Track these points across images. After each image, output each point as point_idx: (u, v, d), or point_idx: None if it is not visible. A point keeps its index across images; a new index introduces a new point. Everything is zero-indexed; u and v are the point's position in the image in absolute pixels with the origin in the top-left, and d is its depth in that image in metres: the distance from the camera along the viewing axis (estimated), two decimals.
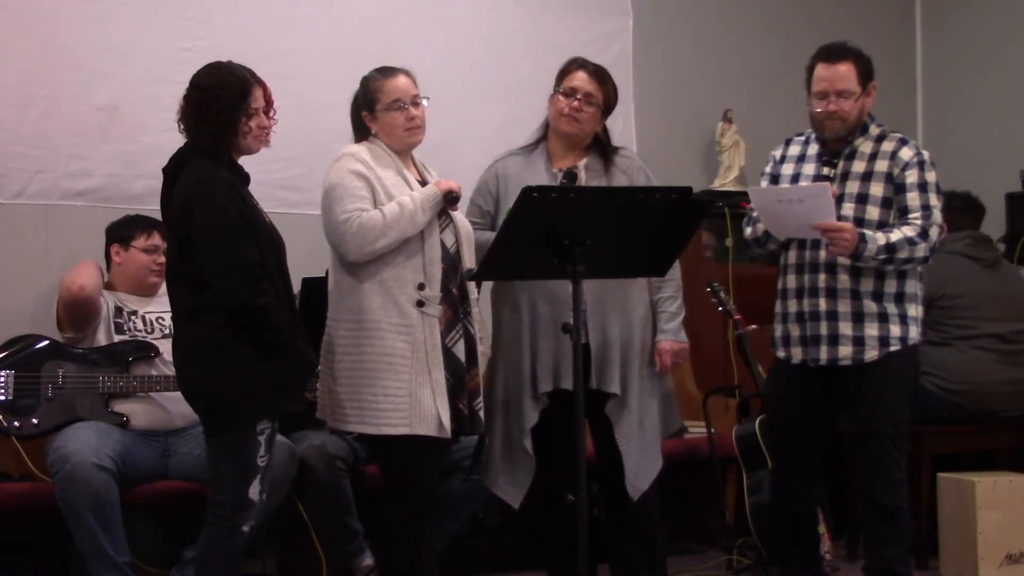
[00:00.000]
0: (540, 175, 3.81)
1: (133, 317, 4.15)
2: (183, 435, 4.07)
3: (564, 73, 3.85)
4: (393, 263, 3.47)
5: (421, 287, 3.47)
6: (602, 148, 3.89)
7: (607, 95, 3.84)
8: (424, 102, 3.61)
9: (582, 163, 3.84)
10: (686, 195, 3.35)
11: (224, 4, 4.88)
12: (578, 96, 3.79)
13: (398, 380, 3.43)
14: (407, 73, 3.62)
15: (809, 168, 3.95)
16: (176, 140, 3.35)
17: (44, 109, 4.56)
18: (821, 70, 3.85)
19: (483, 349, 3.68)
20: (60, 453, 3.80)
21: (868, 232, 3.73)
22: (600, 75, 3.83)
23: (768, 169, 4.09)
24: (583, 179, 3.80)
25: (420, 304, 3.46)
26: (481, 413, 3.62)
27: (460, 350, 3.56)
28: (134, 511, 4.05)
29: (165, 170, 3.33)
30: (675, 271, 3.85)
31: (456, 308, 3.57)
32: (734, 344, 5.00)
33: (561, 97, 3.82)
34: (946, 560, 4.67)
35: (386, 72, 3.61)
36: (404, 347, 3.44)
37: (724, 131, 5.86)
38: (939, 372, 4.82)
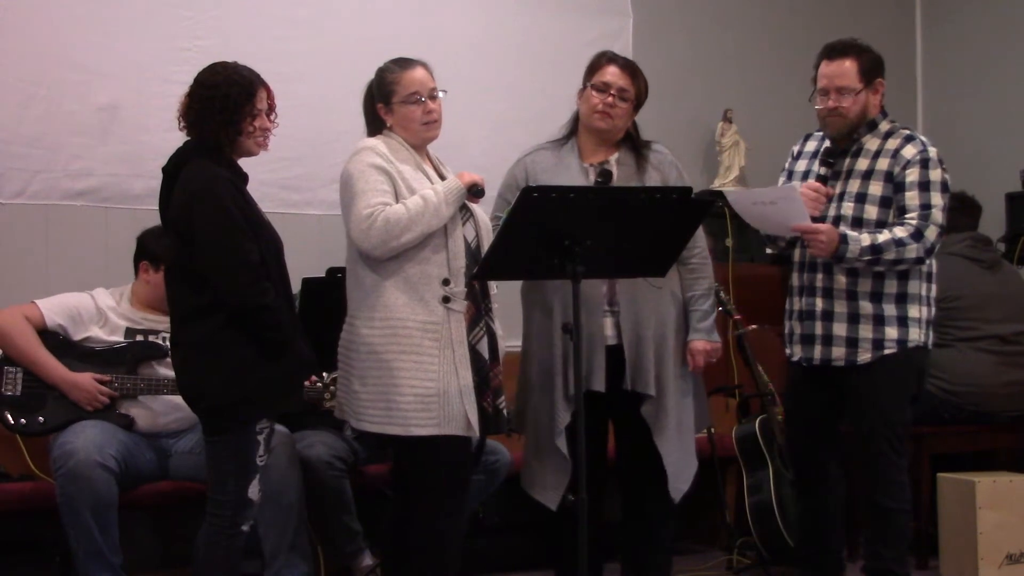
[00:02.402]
0: (572, 170, 3.78)
1: (151, 337, 4.10)
2: (183, 435, 4.07)
3: (595, 67, 3.80)
4: (417, 258, 3.41)
5: (446, 282, 3.42)
6: (634, 143, 3.84)
7: (639, 89, 3.79)
8: (441, 95, 3.55)
9: (613, 158, 3.81)
10: (686, 195, 3.36)
11: (224, 4, 4.88)
12: (611, 91, 3.74)
13: (426, 380, 3.37)
14: (424, 65, 3.55)
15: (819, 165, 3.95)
16: (176, 140, 3.34)
17: (44, 109, 4.56)
18: (823, 67, 3.86)
19: (502, 346, 3.62)
20: (64, 449, 3.79)
21: (851, 233, 3.72)
22: (632, 69, 3.79)
23: (786, 165, 4.09)
24: (615, 175, 3.77)
25: (446, 300, 3.41)
26: (505, 411, 3.58)
27: (484, 347, 3.51)
28: (134, 511, 4.05)
29: (165, 170, 3.32)
30: (707, 269, 3.83)
31: (479, 304, 3.51)
32: (734, 344, 5.00)
33: (594, 92, 3.76)
34: (946, 560, 4.67)
35: (403, 64, 3.54)
36: (431, 345, 3.39)
37: (724, 131, 5.87)
38: (940, 374, 4.81)
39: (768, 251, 4.77)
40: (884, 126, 3.88)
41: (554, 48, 5.50)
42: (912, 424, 3.96)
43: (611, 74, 3.76)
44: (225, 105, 3.23)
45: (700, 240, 3.78)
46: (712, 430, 4.90)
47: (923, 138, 3.89)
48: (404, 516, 3.51)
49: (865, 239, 3.71)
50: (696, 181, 5.73)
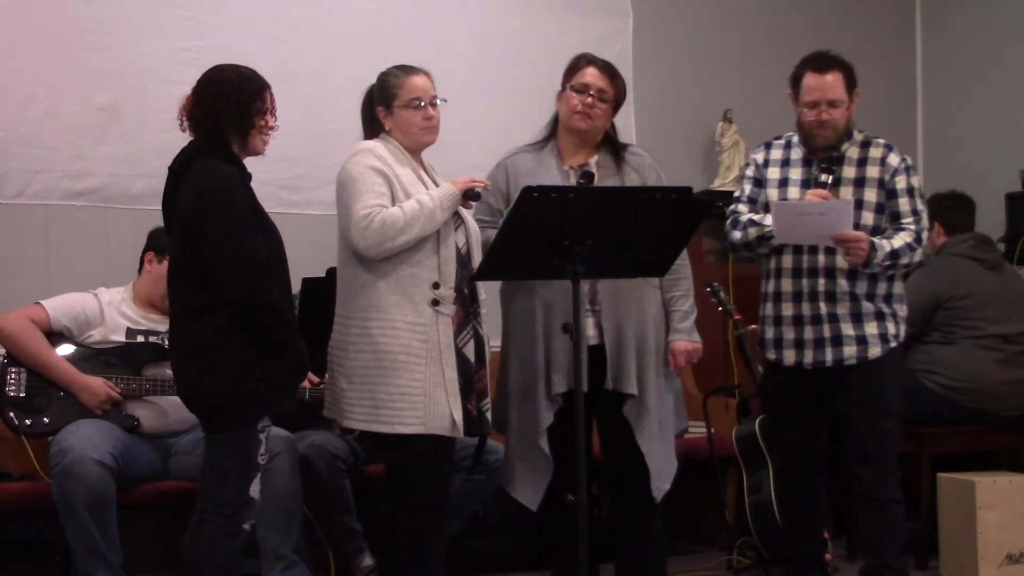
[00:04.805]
0: (552, 173, 3.79)
1: (152, 338, 4.10)
2: (185, 435, 4.08)
3: (574, 69, 3.82)
4: (410, 261, 3.45)
5: (436, 286, 3.46)
6: (613, 145, 3.86)
7: (618, 90, 3.82)
8: (440, 103, 3.60)
9: (593, 160, 3.82)
10: (686, 195, 3.36)
11: (224, 4, 4.89)
12: (591, 92, 3.76)
13: (413, 379, 3.41)
14: (427, 73, 3.61)
15: (796, 173, 4.00)
16: (176, 140, 3.34)
17: (44, 109, 4.56)
18: (811, 80, 3.92)
19: (489, 350, 3.65)
20: (60, 447, 3.80)
21: (876, 240, 3.82)
22: (610, 71, 3.81)
23: (750, 172, 4.12)
24: (596, 177, 3.77)
25: (435, 303, 3.45)
26: (488, 414, 3.61)
27: (470, 350, 3.54)
28: (134, 511, 4.05)
29: (171, 168, 3.32)
30: (686, 270, 3.84)
31: (467, 308, 3.55)
32: (734, 344, 5.01)
33: (574, 93, 3.79)
34: (946, 560, 4.67)
35: (407, 70, 3.60)
36: (419, 346, 3.42)
37: (724, 131, 5.87)
38: (942, 371, 4.84)
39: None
40: (858, 135, 3.99)
41: (554, 48, 5.46)
42: (911, 422, 4.01)
43: (590, 75, 3.78)
44: (240, 99, 3.26)
45: None
46: (712, 430, 4.91)
47: (896, 147, 4.01)
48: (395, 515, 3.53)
49: (887, 245, 3.82)
50: (696, 181, 5.75)
